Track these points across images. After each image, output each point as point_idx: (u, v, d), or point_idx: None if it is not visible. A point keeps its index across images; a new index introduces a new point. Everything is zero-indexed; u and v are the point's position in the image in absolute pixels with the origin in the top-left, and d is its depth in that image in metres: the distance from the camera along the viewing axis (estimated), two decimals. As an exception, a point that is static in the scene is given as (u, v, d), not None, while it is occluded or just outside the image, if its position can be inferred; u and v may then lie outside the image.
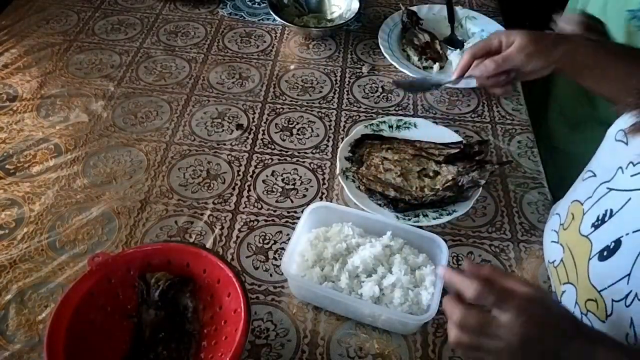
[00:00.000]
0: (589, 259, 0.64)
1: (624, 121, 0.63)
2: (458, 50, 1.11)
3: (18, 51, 1.12)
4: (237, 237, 0.81)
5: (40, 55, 1.12)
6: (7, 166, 0.89)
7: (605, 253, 0.61)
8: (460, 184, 0.82)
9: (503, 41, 0.76)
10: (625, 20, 0.93)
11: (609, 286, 0.60)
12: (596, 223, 0.64)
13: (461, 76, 0.84)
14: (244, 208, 0.85)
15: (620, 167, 0.62)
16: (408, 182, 0.85)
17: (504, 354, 0.51)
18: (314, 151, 0.94)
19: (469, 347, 0.53)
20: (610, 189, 0.63)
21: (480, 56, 0.79)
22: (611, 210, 0.62)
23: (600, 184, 0.65)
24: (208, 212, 0.84)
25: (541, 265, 0.79)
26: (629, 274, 0.57)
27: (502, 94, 0.86)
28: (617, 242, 0.59)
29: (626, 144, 0.62)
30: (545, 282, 0.77)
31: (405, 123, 0.95)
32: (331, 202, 0.86)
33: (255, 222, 0.83)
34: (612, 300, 0.60)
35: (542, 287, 0.76)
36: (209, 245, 0.80)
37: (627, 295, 0.57)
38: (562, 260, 0.72)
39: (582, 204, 0.69)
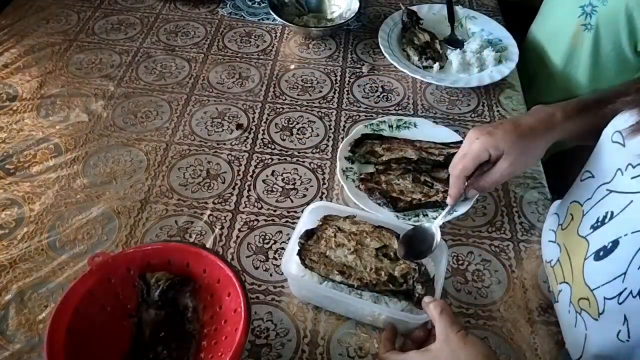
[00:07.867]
0: (585, 258, 0.64)
1: (620, 122, 0.63)
2: (458, 49, 1.11)
3: (18, 51, 1.12)
4: (237, 236, 0.81)
5: (40, 55, 1.12)
6: (7, 166, 0.89)
7: (601, 253, 0.61)
8: (410, 281, 0.69)
9: (492, 153, 0.72)
10: (576, 17, 0.98)
11: (602, 285, 0.60)
12: (595, 225, 0.64)
13: (457, 200, 0.78)
14: (244, 208, 0.85)
15: (619, 169, 0.62)
16: (362, 260, 0.70)
17: None
18: (314, 151, 0.94)
19: None
20: (611, 191, 0.63)
21: (470, 174, 0.75)
22: (612, 213, 0.61)
23: (600, 186, 0.65)
24: (208, 212, 0.84)
25: (541, 265, 0.79)
26: (624, 273, 0.57)
27: None
28: (615, 243, 0.59)
29: (623, 145, 0.62)
30: (545, 282, 0.77)
31: (405, 123, 0.95)
32: (331, 202, 0.86)
33: (255, 222, 0.83)
34: (604, 298, 0.60)
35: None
36: (209, 245, 0.80)
37: (620, 293, 0.57)
38: (558, 259, 0.72)
39: (581, 205, 0.69)
